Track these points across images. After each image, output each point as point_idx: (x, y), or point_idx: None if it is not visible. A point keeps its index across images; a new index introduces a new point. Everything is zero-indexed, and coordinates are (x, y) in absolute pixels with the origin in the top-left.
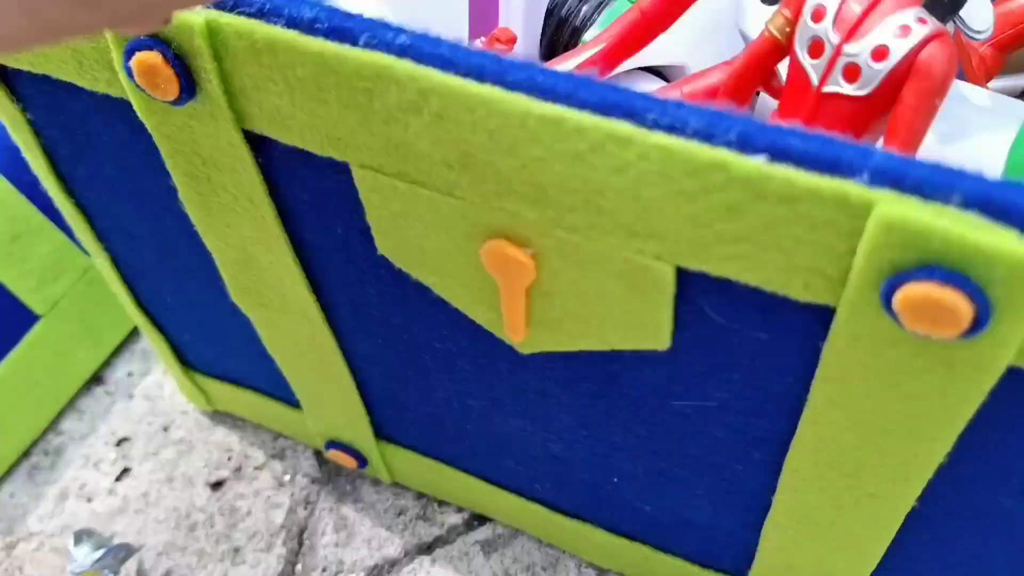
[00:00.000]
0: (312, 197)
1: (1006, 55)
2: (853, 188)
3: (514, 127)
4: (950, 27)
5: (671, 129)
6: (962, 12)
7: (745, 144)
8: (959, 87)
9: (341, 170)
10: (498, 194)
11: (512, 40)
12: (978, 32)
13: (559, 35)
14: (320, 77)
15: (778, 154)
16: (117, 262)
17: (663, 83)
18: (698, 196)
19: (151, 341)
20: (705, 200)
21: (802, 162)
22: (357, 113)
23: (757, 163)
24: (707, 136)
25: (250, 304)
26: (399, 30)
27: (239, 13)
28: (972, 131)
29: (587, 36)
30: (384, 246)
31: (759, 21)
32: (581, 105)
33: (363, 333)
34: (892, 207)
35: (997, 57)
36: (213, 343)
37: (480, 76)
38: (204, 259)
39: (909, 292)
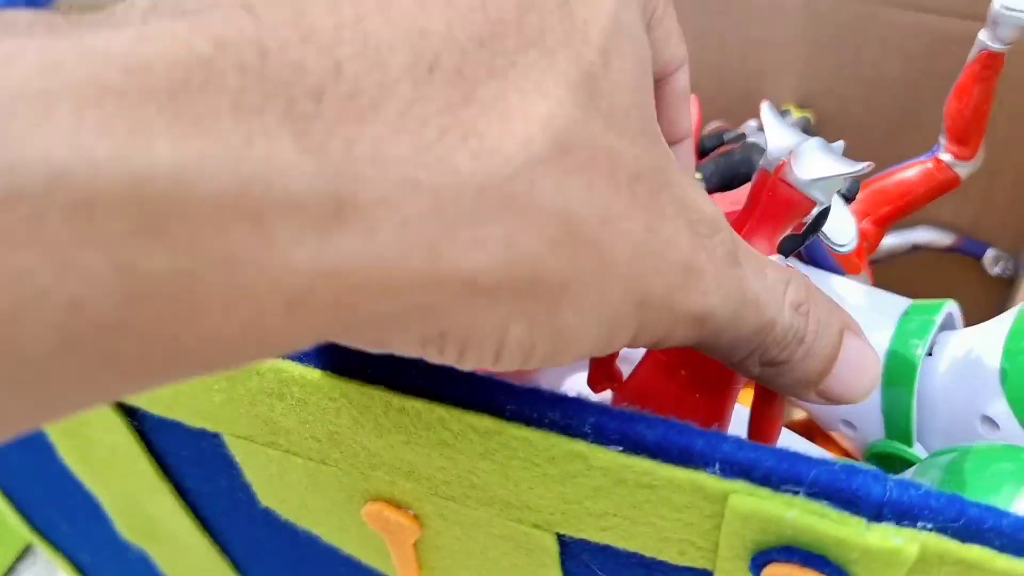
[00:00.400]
0: (191, 455)
1: (886, 229)
2: (707, 478)
3: (376, 416)
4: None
5: (530, 422)
6: (825, 228)
7: (600, 435)
8: (835, 284)
9: (215, 435)
10: (371, 466)
11: None
12: (841, 246)
13: None
14: None
15: (632, 445)
16: (5, 491)
17: None
18: (564, 479)
19: (51, 557)
20: (571, 482)
21: (656, 453)
22: (222, 395)
23: (614, 454)
24: (564, 428)
25: (143, 540)
26: None
27: None
28: None
29: None
30: (267, 501)
31: None
32: (440, 399)
33: (262, 564)
34: (745, 499)
35: (877, 232)
36: (113, 565)
37: (337, 369)
38: (92, 500)
39: (775, 570)
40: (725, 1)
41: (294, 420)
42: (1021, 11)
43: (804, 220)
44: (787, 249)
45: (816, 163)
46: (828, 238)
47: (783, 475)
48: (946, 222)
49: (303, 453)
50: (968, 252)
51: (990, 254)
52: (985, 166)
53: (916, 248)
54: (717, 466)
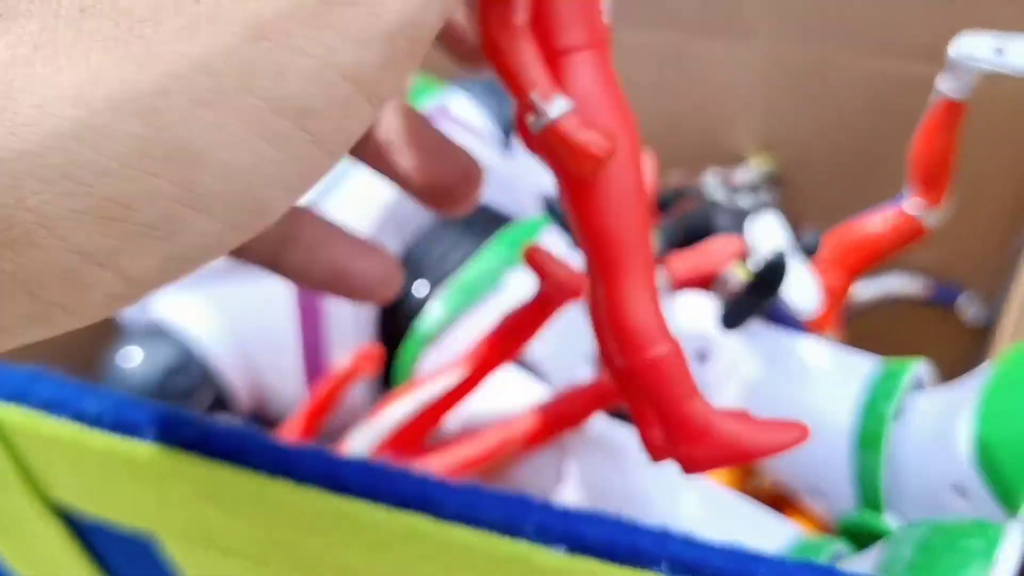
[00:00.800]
0: (128, 550)
1: (852, 281)
2: None
3: (311, 519)
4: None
5: (469, 521)
6: (785, 292)
7: (543, 535)
8: (799, 347)
9: (151, 534)
10: (311, 567)
11: (376, 359)
12: (802, 311)
13: (392, 323)
14: (110, 469)
15: (577, 545)
16: None
17: (527, 374)
18: None
19: None
20: None
21: (601, 553)
22: (154, 494)
23: (558, 555)
24: (506, 528)
25: None
26: (187, 422)
27: (27, 405)
28: (812, 400)
29: (419, 326)
30: None
31: None
32: (376, 500)
33: None
34: None
35: (844, 285)
36: None
37: (271, 469)
38: None
39: None
40: (679, 51)
41: (230, 521)
42: (979, 60)
43: (731, 282)
44: (732, 321)
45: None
46: (788, 301)
47: (733, 572)
48: (917, 266)
49: (243, 554)
50: (942, 301)
51: (964, 299)
52: (955, 207)
53: (888, 298)
54: (664, 565)
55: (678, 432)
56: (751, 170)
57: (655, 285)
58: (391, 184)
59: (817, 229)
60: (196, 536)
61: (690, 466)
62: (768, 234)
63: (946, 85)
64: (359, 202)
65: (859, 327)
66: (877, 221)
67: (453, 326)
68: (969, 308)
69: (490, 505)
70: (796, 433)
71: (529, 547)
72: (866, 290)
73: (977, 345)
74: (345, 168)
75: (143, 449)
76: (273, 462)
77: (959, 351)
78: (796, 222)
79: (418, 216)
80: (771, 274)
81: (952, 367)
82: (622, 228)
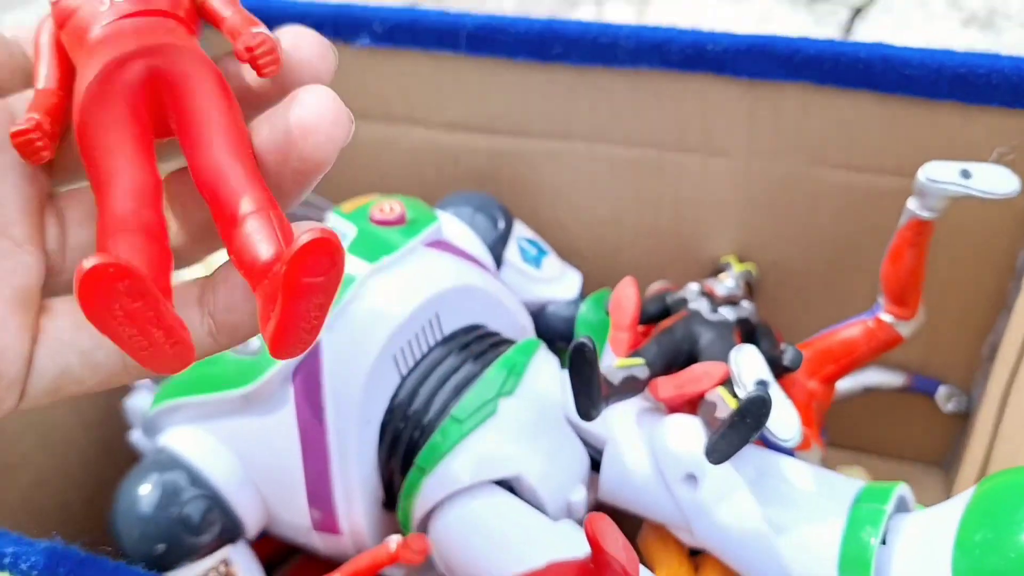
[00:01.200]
0: None
1: (832, 387)
2: None
3: None
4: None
5: None
6: (768, 424)
7: None
8: (784, 467)
9: None
10: None
11: (424, 551)
12: (785, 440)
13: (394, 456)
14: None
15: None
16: None
17: (503, 493)
18: None
19: None
20: None
21: None
22: None
23: None
24: None
25: None
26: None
27: None
28: (801, 524)
29: (419, 460)
30: None
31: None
32: None
33: None
34: None
35: (825, 391)
36: None
37: None
38: None
39: None
40: (659, 164)
41: None
42: (945, 183)
43: (718, 410)
44: (718, 457)
45: None
46: (771, 433)
47: None
48: (895, 361)
49: None
50: (920, 390)
51: (942, 391)
52: (929, 304)
53: (868, 391)
54: None
55: None
56: (730, 278)
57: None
58: None
59: (792, 338)
60: None
61: None
62: (751, 365)
63: (915, 205)
64: (364, 335)
65: (842, 417)
66: (853, 331)
67: (445, 462)
68: (948, 401)
69: None
70: None
71: None
72: (845, 384)
73: (958, 428)
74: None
75: None
76: None
77: (940, 435)
78: (772, 329)
79: (419, 346)
80: (757, 409)
81: (934, 451)
82: None
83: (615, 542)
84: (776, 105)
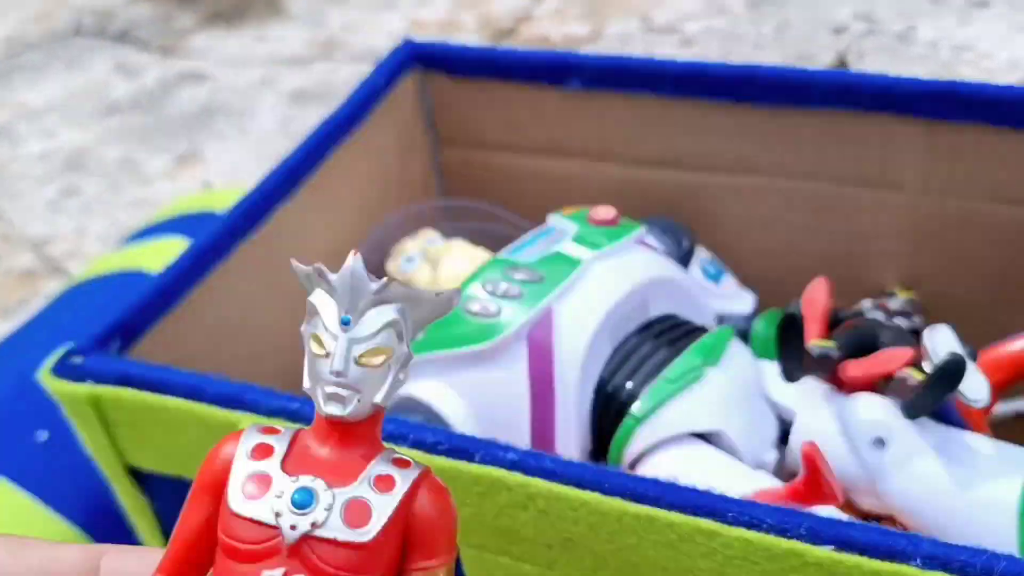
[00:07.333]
0: None
1: (998, 394)
2: (909, 570)
3: (611, 522)
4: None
5: (749, 525)
6: (961, 386)
7: (815, 537)
8: (964, 438)
9: None
10: (594, 569)
11: None
12: (975, 400)
13: (607, 411)
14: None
15: (843, 545)
16: None
17: (706, 445)
18: (777, 574)
19: None
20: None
21: (864, 551)
22: (470, 509)
23: (828, 551)
24: (781, 531)
25: None
26: (508, 448)
27: None
28: (980, 482)
29: (634, 409)
30: None
31: (785, 391)
32: (669, 507)
33: None
34: None
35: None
36: None
37: (579, 484)
38: None
39: None
40: (835, 197)
41: (532, 530)
42: None
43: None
44: (917, 411)
45: None
46: (963, 394)
47: (978, 567)
48: None
49: (533, 560)
50: None
51: None
52: None
53: (1021, 416)
54: (918, 560)
55: None
56: (897, 302)
57: None
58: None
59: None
60: (493, 546)
61: None
62: (945, 340)
63: None
64: (589, 307)
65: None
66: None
67: (657, 413)
68: None
69: (766, 512)
70: None
71: (801, 545)
72: (1000, 406)
73: None
74: (581, 273)
75: (469, 469)
76: (582, 478)
77: None
78: None
79: (628, 324)
80: (953, 368)
81: None
82: None
83: (827, 465)
84: (953, 144)
